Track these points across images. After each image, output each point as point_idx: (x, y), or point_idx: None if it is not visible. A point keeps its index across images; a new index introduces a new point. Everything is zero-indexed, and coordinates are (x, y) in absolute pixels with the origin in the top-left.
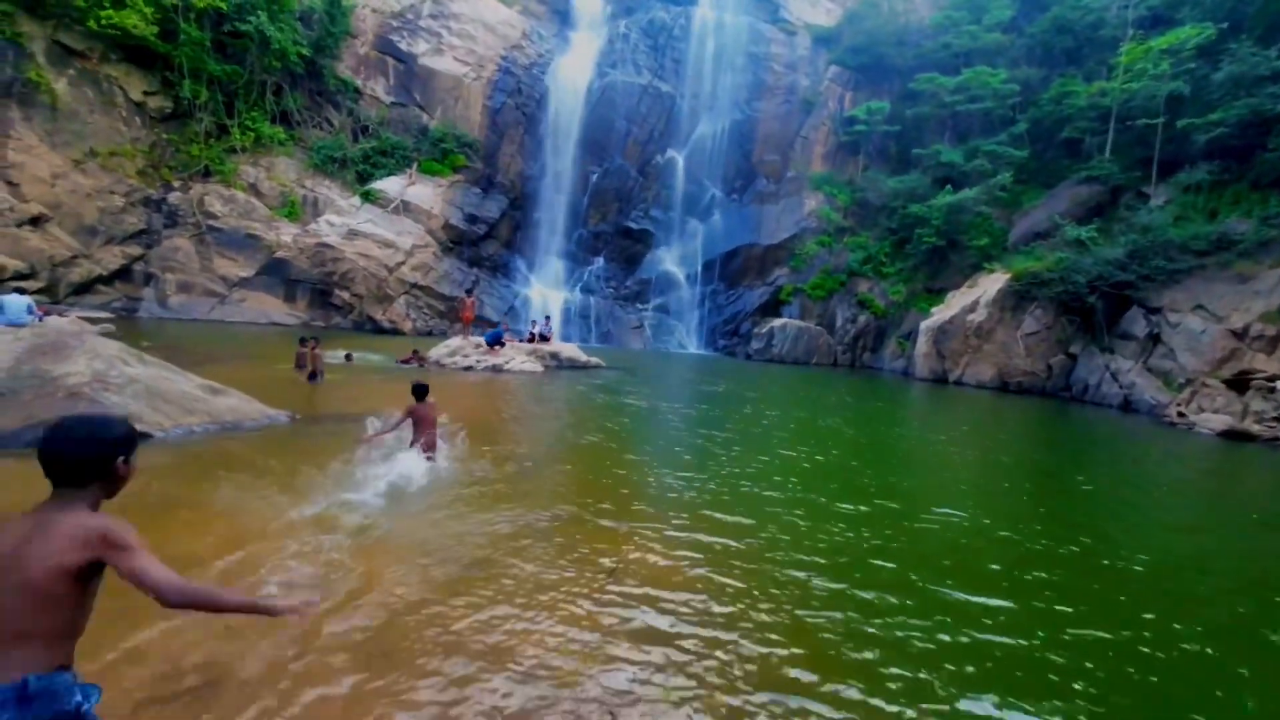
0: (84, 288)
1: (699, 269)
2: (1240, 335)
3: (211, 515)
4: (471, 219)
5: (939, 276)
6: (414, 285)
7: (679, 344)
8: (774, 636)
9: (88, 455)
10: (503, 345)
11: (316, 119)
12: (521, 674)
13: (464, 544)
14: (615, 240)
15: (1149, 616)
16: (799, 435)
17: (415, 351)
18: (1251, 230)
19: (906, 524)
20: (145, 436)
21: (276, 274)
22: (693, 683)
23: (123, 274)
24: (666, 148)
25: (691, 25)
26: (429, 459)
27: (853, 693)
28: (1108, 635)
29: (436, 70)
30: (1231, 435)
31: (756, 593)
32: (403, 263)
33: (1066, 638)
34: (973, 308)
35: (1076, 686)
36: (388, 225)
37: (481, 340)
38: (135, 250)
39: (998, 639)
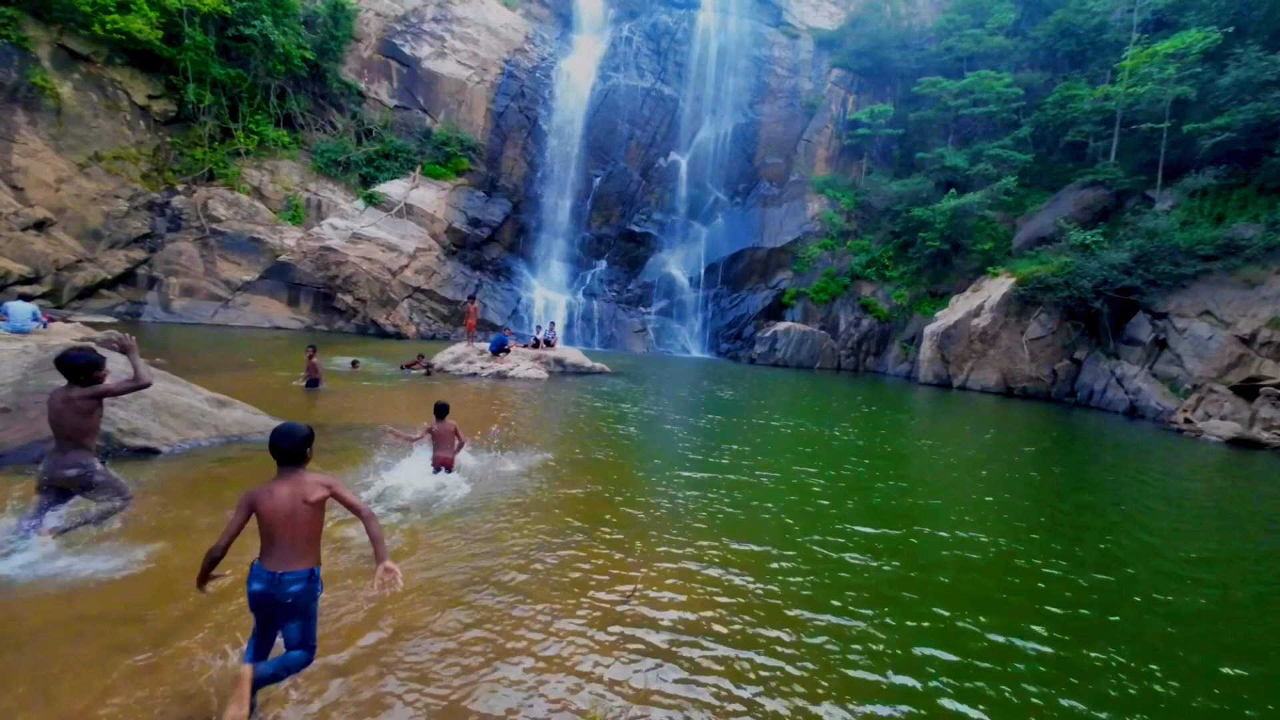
0: (88, 292)
1: (702, 272)
2: (1248, 341)
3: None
4: (475, 222)
5: (942, 280)
6: (417, 289)
7: (682, 348)
8: (798, 687)
9: (299, 445)
10: (507, 352)
11: (320, 122)
12: None
13: (474, 572)
14: (618, 243)
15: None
16: (810, 449)
17: (421, 356)
18: (1259, 235)
19: (926, 549)
20: (153, 452)
21: (280, 278)
22: None
23: (127, 278)
24: (669, 151)
25: (694, 29)
26: (445, 472)
27: None
28: (1140, 686)
29: (440, 73)
30: (1240, 443)
31: (777, 631)
32: (406, 266)
33: (1111, 692)
34: (977, 312)
35: None
36: (391, 229)
37: (485, 347)
38: (139, 254)
39: (1034, 688)
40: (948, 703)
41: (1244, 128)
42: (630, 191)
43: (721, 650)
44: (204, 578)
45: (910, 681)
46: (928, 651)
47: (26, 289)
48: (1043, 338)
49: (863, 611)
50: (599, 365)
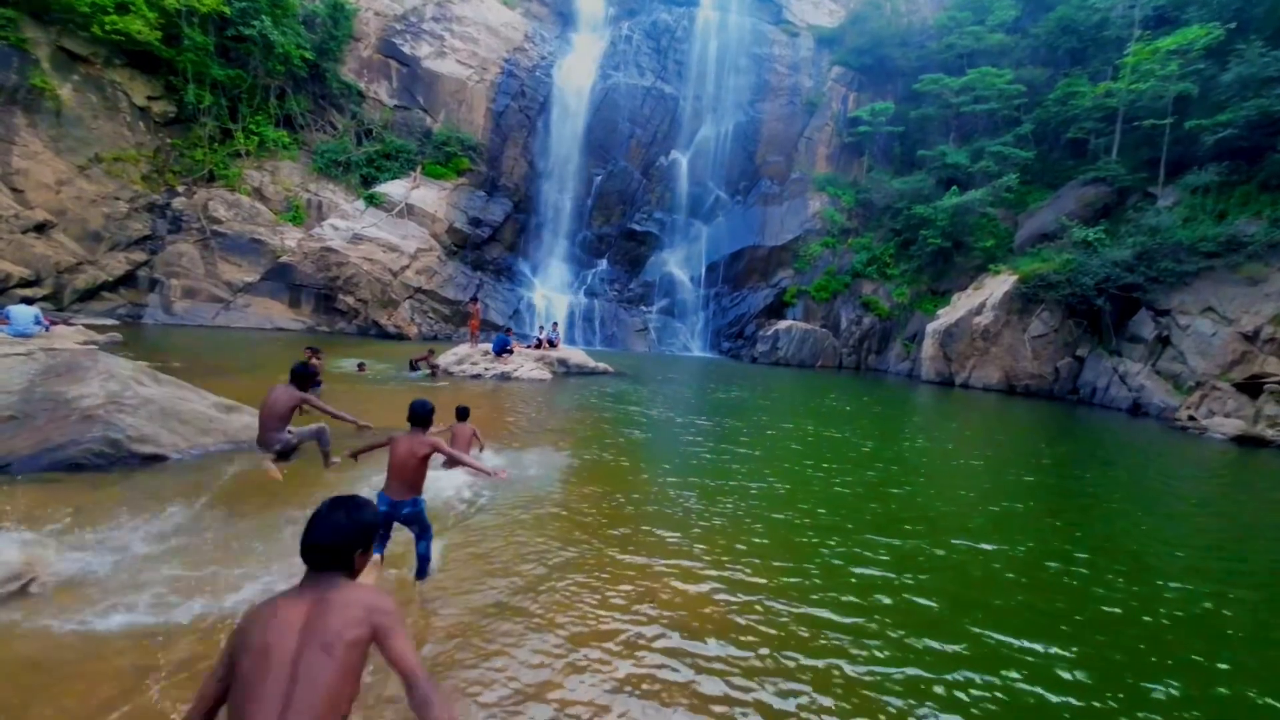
0: (89, 294)
1: (703, 271)
2: (1251, 338)
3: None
4: (475, 222)
5: (944, 278)
6: (418, 289)
7: (683, 347)
8: (826, 702)
9: (428, 414)
10: (510, 352)
11: (320, 122)
12: None
13: (487, 580)
14: (619, 243)
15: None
16: (819, 450)
17: (431, 351)
18: (1261, 232)
19: (942, 555)
20: (161, 459)
21: (281, 279)
22: None
23: (128, 280)
24: (670, 149)
25: (694, 27)
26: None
27: None
28: (1169, 693)
29: (440, 73)
30: (1244, 440)
31: (796, 645)
32: (407, 267)
33: (1141, 703)
34: (979, 310)
35: None
36: (392, 229)
37: (488, 348)
38: (140, 256)
39: (1067, 700)
40: None
41: (1246, 124)
42: (631, 190)
43: (737, 655)
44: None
45: (945, 708)
46: (966, 675)
47: (27, 292)
48: (1045, 335)
49: (888, 624)
50: (602, 365)
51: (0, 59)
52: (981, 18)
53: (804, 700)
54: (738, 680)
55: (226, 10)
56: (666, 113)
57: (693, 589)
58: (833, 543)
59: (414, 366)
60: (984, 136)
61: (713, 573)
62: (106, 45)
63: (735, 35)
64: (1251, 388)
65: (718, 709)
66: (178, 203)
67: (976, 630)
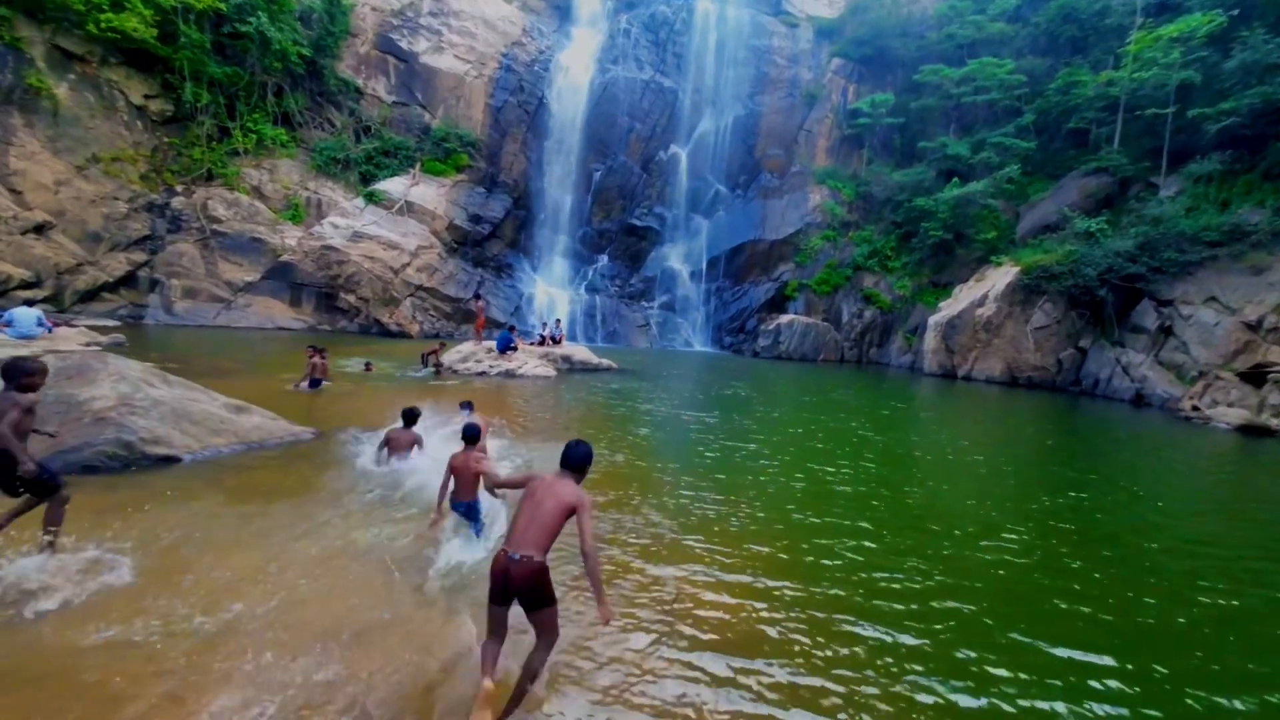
0: (90, 295)
1: (703, 266)
2: (1254, 327)
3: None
4: (475, 219)
5: (945, 270)
6: (419, 287)
7: (685, 342)
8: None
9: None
10: (514, 350)
11: (318, 120)
12: None
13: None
14: (619, 238)
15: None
16: (828, 445)
17: (442, 344)
18: (1265, 221)
19: (969, 554)
20: (174, 460)
21: (282, 278)
22: None
23: (128, 281)
24: (669, 144)
25: (693, 19)
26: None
27: None
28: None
29: (437, 69)
30: (1249, 430)
31: (829, 653)
32: (408, 264)
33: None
34: (981, 302)
35: None
36: (392, 227)
37: (493, 345)
38: (140, 256)
39: (1111, 710)
40: None
41: (1250, 112)
42: (631, 185)
43: (775, 671)
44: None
45: (977, 704)
46: (995, 671)
47: (28, 294)
48: (1047, 327)
49: (915, 626)
50: (606, 362)
51: None
52: (982, 7)
53: (835, 696)
54: (770, 695)
55: (223, 7)
56: (666, 106)
57: (719, 598)
58: (855, 544)
59: (425, 362)
60: (985, 127)
61: (738, 580)
62: (102, 43)
63: (734, 27)
64: (1255, 377)
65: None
66: (177, 202)
67: (1019, 638)
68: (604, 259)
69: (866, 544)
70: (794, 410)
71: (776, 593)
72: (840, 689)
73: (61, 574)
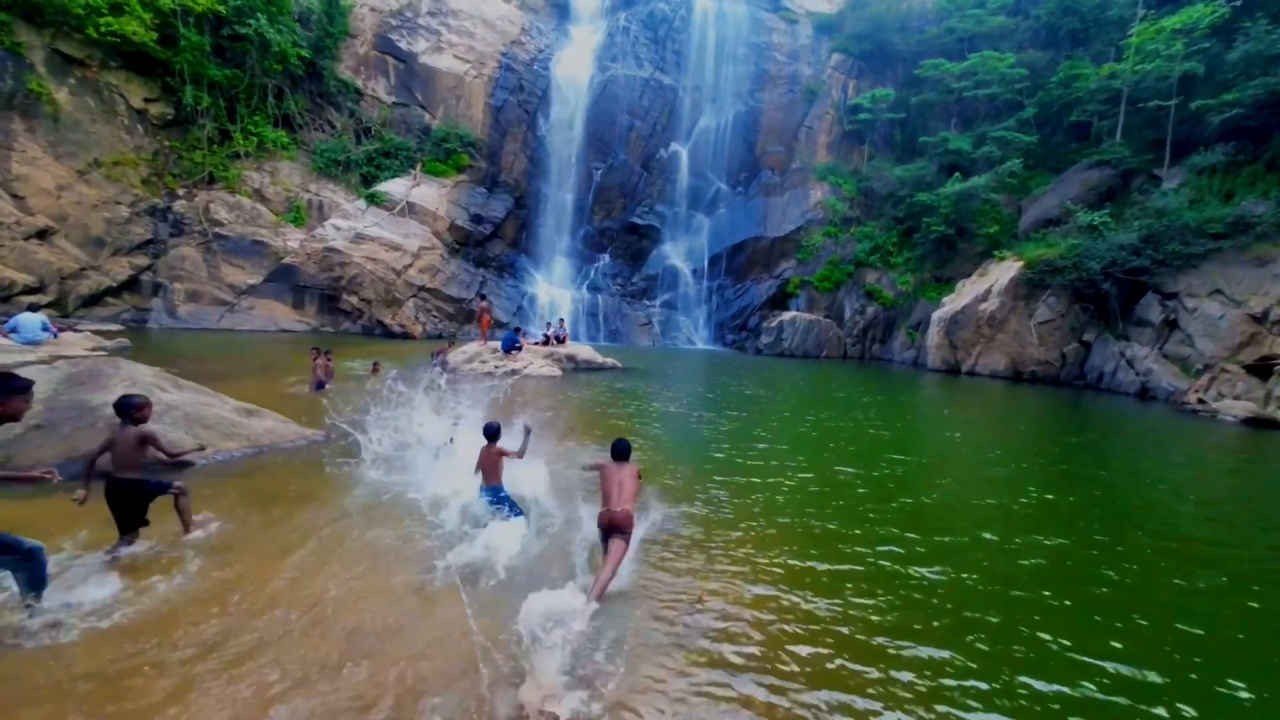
0: (93, 300)
1: (705, 263)
2: (1260, 319)
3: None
4: (477, 219)
5: (947, 265)
6: (422, 288)
7: (687, 340)
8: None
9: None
10: (519, 349)
11: (318, 121)
12: None
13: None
14: (621, 236)
15: None
16: (840, 443)
17: (451, 343)
18: (1269, 212)
19: (984, 551)
20: (186, 465)
21: (284, 280)
22: None
23: (131, 285)
24: (670, 141)
25: (692, 16)
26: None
27: None
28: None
29: (437, 69)
30: (1256, 423)
31: (852, 658)
32: (410, 265)
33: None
34: (984, 297)
35: None
36: (393, 228)
37: (497, 345)
38: (142, 260)
39: (1142, 708)
40: None
41: (1253, 103)
42: (631, 184)
43: (805, 690)
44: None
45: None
46: (1034, 684)
47: (32, 299)
48: (1051, 321)
49: (951, 640)
50: (610, 361)
51: None
52: (982, 1)
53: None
54: (797, 695)
55: (222, 9)
56: (665, 104)
57: (740, 606)
58: (872, 542)
59: (437, 360)
60: (986, 122)
61: (762, 591)
62: (102, 47)
63: (733, 24)
64: (1261, 369)
65: None
66: (178, 206)
67: (1041, 636)
68: (605, 258)
69: (881, 541)
70: (802, 408)
71: (800, 602)
72: (875, 706)
73: (93, 585)
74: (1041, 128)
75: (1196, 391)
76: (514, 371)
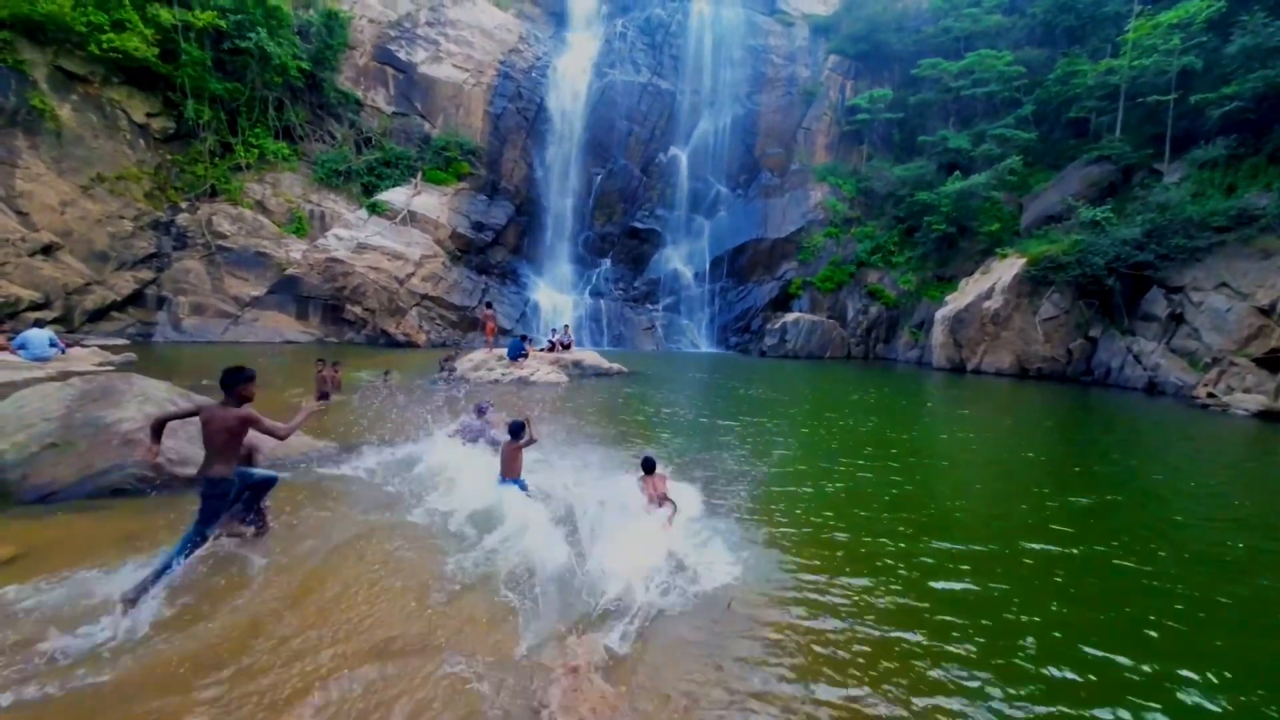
0: (98, 314)
1: (707, 266)
2: (1267, 312)
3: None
4: (478, 226)
5: (949, 264)
6: (425, 296)
7: (691, 343)
8: None
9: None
10: (525, 356)
11: (319, 132)
12: None
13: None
14: (622, 241)
15: None
16: (857, 447)
17: (458, 350)
18: (1273, 204)
19: (1015, 559)
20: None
21: (288, 291)
22: None
23: (136, 299)
24: (669, 145)
25: (688, 21)
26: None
27: None
28: None
29: (436, 78)
30: (1269, 415)
31: (887, 677)
32: (413, 274)
33: None
34: (988, 294)
35: None
36: (395, 237)
37: (503, 353)
38: (147, 274)
39: None
40: None
41: (1253, 96)
42: (631, 188)
43: (833, 694)
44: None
45: None
46: (1080, 692)
47: (38, 315)
48: (1056, 317)
49: (988, 643)
50: (615, 366)
51: None
52: (977, 0)
53: None
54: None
55: (222, 23)
56: (664, 109)
57: (772, 610)
58: (899, 551)
59: (444, 368)
60: (984, 120)
61: (787, 594)
62: (104, 64)
63: (729, 27)
64: (1271, 362)
65: None
66: (181, 219)
67: (1087, 650)
68: (607, 263)
69: (908, 550)
70: (812, 410)
71: (827, 603)
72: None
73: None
74: (1040, 125)
75: (1206, 385)
76: (521, 379)
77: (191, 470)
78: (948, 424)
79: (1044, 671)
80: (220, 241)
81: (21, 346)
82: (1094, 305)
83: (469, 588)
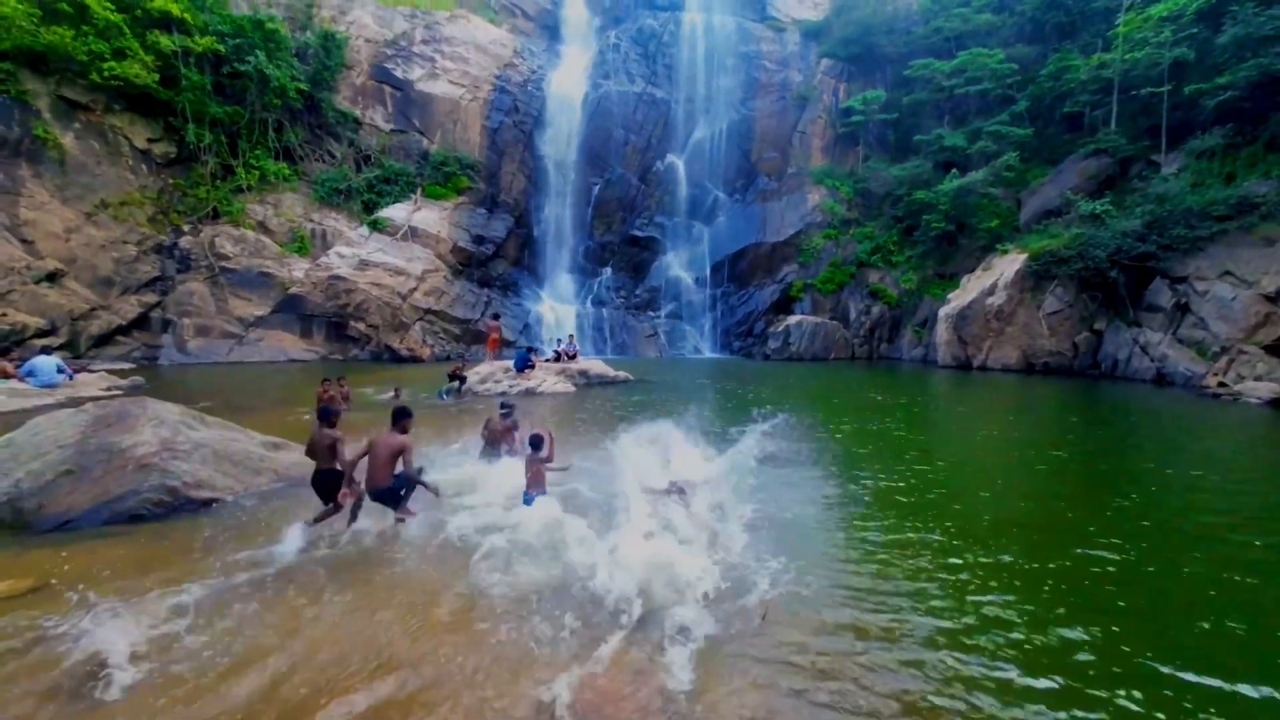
0: (104, 339)
1: (707, 272)
2: (1273, 299)
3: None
4: (479, 240)
5: (950, 261)
6: (428, 311)
7: (694, 349)
8: None
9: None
10: (532, 367)
11: (318, 152)
12: None
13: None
14: (622, 249)
15: None
16: (877, 451)
17: (464, 362)
18: (1273, 191)
19: (1066, 566)
20: (215, 501)
21: (291, 310)
22: None
23: (141, 323)
24: (666, 153)
25: (680, 30)
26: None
27: None
28: None
29: (433, 94)
30: None
31: (943, 700)
32: (415, 289)
33: None
34: (991, 291)
35: None
36: (397, 253)
37: (509, 364)
38: (151, 298)
39: None
40: None
41: (1247, 85)
42: (630, 197)
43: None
44: None
45: None
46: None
47: (44, 341)
48: (1060, 311)
49: (1039, 662)
50: (621, 374)
51: (1, 112)
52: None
53: None
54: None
55: (221, 48)
56: (659, 117)
57: (803, 621)
58: (939, 562)
59: (455, 379)
60: (978, 118)
61: (827, 611)
62: (105, 91)
63: (722, 35)
64: None
65: None
66: (184, 242)
67: (1165, 669)
68: (608, 271)
69: (949, 560)
70: (824, 413)
71: (872, 623)
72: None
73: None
74: (1035, 120)
75: (1216, 375)
76: (529, 390)
77: (207, 493)
78: (966, 422)
79: (1108, 694)
80: (223, 263)
81: (30, 374)
82: (1098, 298)
83: (507, 612)
